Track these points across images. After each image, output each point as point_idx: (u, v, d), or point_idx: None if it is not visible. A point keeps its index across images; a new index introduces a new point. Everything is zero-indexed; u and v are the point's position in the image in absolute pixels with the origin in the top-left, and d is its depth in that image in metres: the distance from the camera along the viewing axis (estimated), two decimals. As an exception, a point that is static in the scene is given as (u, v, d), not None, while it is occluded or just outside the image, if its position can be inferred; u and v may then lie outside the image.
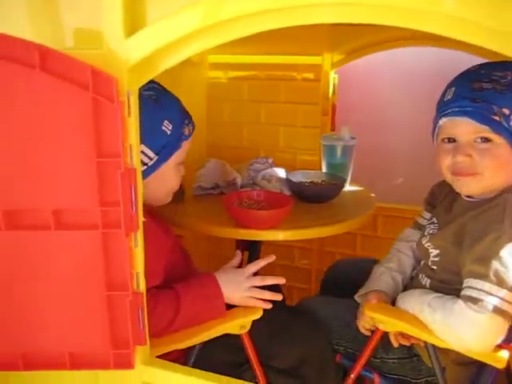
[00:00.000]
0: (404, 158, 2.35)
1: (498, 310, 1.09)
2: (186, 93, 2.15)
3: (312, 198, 1.67)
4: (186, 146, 1.32)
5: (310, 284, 2.31)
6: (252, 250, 1.89)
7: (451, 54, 1.76)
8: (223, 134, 2.34)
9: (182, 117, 1.30)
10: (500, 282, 1.09)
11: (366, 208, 1.70)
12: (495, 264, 1.10)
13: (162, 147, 1.25)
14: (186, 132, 1.30)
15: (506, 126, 1.15)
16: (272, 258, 1.33)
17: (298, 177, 1.75)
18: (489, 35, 0.80)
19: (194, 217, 1.59)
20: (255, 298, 1.27)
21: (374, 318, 1.28)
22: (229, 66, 2.30)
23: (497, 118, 1.15)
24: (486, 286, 1.10)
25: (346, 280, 1.65)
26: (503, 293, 1.09)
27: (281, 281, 1.32)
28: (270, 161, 1.82)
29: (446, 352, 1.24)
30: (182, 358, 1.26)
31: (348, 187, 1.86)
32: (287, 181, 1.71)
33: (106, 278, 0.97)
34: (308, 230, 1.51)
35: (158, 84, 1.29)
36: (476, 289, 1.11)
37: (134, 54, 0.92)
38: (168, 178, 1.31)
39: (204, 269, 1.62)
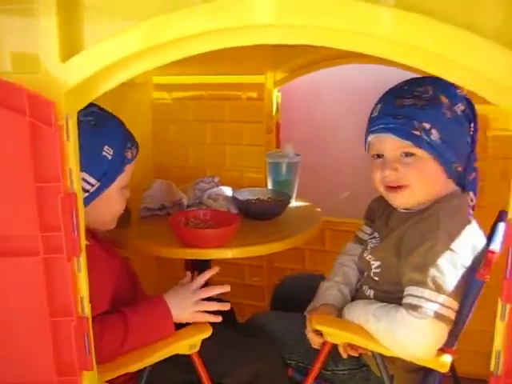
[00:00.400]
0: (349, 173, 2.39)
1: (438, 316, 1.13)
2: (131, 114, 2.16)
3: (259, 215, 1.69)
4: (129, 169, 1.31)
5: (262, 301, 2.31)
6: (201, 269, 1.88)
7: (394, 70, 1.81)
8: (169, 155, 2.33)
9: (124, 140, 1.29)
10: (438, 289, 1.14)
11: (312, 223, 1.73)
12: (432, 271, 1.14)
13: (104, 173, 1.24)
14: (129, 156, 1.29)
15: (427, 139, 1.21)
16: (216, 270, 1.36)
17: (245, 194, 1.77)
18: (424, 57, 0.84)
19: (141, 238, 1.58)
20: (204, 312, 1.28)
21: (321, 331, 1.29)
22: (173, 87, 2.30)
23: (417, 132, 1.21)
24: (426, 292, 1.14)
25: (295, 296, 1.67)
26: (442, 298, 1.13)
27: (226, 289, 1.33)
28: (216, 180, 1.83)
29: (393, 360, 1.27)
30: (132, 380, 1.24)
31: (294, 203, 1.89)
32: (233, 199, 1.72)
33: (50, 303, 0.96)
34: (256, 247, 1.53)
35: (99, 107, 1.27)
36: (416, 296, 1.15)
37: (71, 77, 0.92)
38: (112, 203, 1.30)
39: (153, 291, 1.61)
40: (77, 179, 0.96)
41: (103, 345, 1.13)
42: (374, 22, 0.82)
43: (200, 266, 1.84)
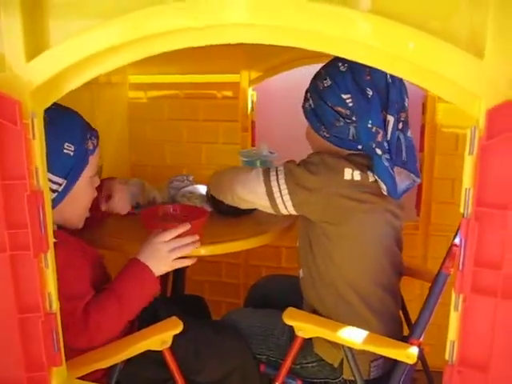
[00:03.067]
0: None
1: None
2: (108, 114, 2.17)
3: (232, 212, 1.69)
4: (94, 159, 1.31)
5: (239, 298, 2.33)
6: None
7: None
8: (146, 154, 2.35)
9: (83, 133, 1.27)
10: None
11: (288, 220, 1.74)
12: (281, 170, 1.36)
13: (69, 170, 1.24)
14: (91, 147, 1.29)
15: (305, 106, 1.42)
16: (187, 227, 1.37)
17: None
18: (397, 63, 0.87)
19: (115, 237, 1.58)
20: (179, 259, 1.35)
21: (293, 326, 1.31)
22: (149, 86, 2.32)
23: (304, 101, 1.44)
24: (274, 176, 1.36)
25: (270, 296, 1.73)
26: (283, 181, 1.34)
27: (195, 238, 1.38)
28: (191, 178, 1.83)
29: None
30: (104, 377, 1.25)
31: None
32: (207, 196, 1.73)
33: (17, 300, 0.97)
34: (230, 243, 1.52)
35: (54, 103, 1.25)
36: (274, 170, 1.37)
37: (36, 76, 0.93)
38: (82, 195, 1.30)
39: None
40: (43, 177, 0.96)
41: (106, 323, 1.20)
42: (349, 26, 0.84)
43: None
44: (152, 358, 1.26)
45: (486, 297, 0.82)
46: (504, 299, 0.83)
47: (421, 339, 1.27)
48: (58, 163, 1.19)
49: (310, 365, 1.41)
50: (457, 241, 1.20)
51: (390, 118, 1.30)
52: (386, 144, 1.28)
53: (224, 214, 1.69)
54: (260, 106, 2.29)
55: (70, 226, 1.32)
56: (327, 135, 1.37)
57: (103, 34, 0.93)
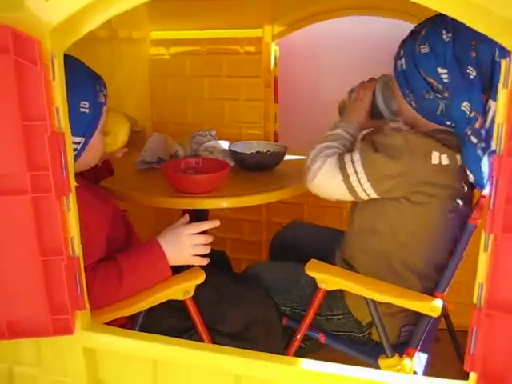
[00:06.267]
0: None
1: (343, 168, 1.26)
2: (129, 71, 2.15)
3: (255, 167, 1.68)
4: (105, 109, 1.28)
5: (260, 255, 2.33)
6: (198, 220, 1.90)
7: (393, 22, 1.78)
8: (167, 111, 2.33)
9: (94, 87, 1.24)
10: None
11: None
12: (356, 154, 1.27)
13: (86, 127, 1.22)
14: (102, 99, 1.26)
15: (396, 64, 1.30)
16: (216, 223, 1.32)
17: (241, 147, 1.76)
18: None
19: (137, 190, 1.58)
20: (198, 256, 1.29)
21: (316, 278, 1.30)
22: (170, 42, 2.28)
23: (396, 57, 1.31)
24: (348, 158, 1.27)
25: (294, 244, 1.71)
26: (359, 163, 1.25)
27: (216, 223, 1.32)
28: (213, 133, 1.82)
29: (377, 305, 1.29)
30: (127, 324, 1.26)
31: (294, 157, 1.86)
32: (230, 151, 1.72)
33: (40, 243, 0.97)
34: (252, 196, 1.51)
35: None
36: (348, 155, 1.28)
37: (55, 15, 0.91)
38: (97, 145, 1.29)
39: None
40: (64, 118, 0.95)
41: (98, 293, 1.14)
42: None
43: (197, 218, 1.86)
44: (176, 306, 1.26)
45: (517, 235, 0.80)
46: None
47: (445, 292, 1.25)
48: (75, 124, 1.13)
49: (335, 317, 1.40)
50: (485, 192, 1.17)
51: (492, 104, 1.13)
52: (483, 131, 1.14)
53: (246, 169, 1.68)
54: (282, 60, 2.23)
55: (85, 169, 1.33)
56: (414, 104, 1.28)
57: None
